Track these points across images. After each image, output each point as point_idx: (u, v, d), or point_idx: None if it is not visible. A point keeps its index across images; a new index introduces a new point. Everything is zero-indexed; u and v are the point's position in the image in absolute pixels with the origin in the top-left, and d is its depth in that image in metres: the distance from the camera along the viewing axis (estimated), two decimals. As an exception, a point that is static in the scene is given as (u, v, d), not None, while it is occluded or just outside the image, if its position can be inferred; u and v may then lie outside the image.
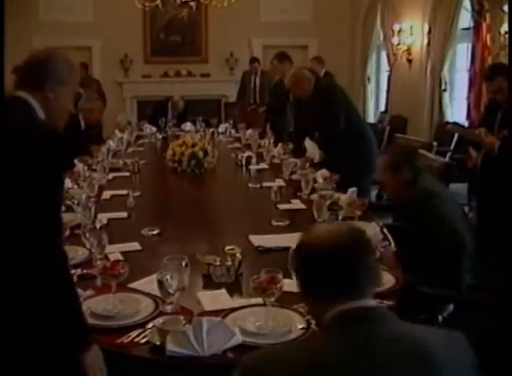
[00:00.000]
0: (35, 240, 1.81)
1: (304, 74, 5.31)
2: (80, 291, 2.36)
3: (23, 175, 1.80)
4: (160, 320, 2.08)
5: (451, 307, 2.97)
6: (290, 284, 2.13)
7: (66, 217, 3.34)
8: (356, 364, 1.33)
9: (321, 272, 1.47)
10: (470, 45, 7.09)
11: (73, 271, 2.56)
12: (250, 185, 4.57)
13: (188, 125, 7.64)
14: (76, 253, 2.85)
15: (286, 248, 2.50)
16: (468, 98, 7.03)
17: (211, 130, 7.33)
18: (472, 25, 6.91)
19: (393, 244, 3.10)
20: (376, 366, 1.33)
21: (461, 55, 7.74)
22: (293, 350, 1.47)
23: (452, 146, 6.71)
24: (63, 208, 3.64)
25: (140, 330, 2.12)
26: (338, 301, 1.44)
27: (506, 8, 5.87)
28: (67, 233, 3.03)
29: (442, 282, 2.92)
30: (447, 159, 6.26)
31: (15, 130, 1.87)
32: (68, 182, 4.16)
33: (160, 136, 7.31)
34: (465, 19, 7.33)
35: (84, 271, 2.64)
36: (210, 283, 2.55)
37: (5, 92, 2.22)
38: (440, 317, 2.91)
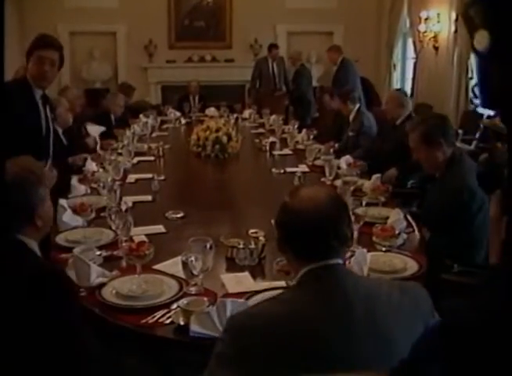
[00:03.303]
0: None
1: None
2: (106, 271, 2.41)
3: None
4: (184, 301, 2.11)
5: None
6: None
7: (92, 199, 3.40)
8: (329, 310, 1.52)
9: (299, 236, 1.62)
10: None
11: (98, 252, 2.62)
12: (273, 170, 4.56)
13: (212, 110, 7.66)
14: (102, 235, 2.90)
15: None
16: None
17: (235, 115, 7.33)
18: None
19: (417, 231, 3.10)
20: (343, 309, 1.52)
21: (489, 42, 7.63)
22: (273, 305, 1.60)
23: (477, 135, 6.64)
24: (89, 191, 3.72)
25: (165, 311, 2.16)
26: (311, 260, 1.60)
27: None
28: (93, 215, 3.08)
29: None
30: (472, 147, 6.21)
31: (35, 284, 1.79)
32: (94, 166, 4.21)
33: (184, 121, 7.34)
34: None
35: (110, 252, 2.68)
36: (233, 266, 2.58)
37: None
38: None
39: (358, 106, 5.84)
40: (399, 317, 1.56)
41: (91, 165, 4.21)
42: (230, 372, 1.50)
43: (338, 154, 4.89)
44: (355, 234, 2.69)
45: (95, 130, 5.69)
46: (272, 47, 9.47)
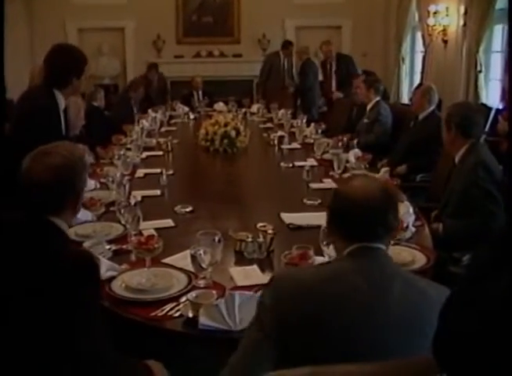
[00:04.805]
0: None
1: None
2: (115, 265, 2.42)
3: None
4: (193, 294, 2.11)
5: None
6: (321, 262, 2.14)
7: (102, 194, 3.41)
8: (369, 282, 1.62)
9: (349, 219, 1.72)
10: (506, 26, 6.93)
11: (108, 246, 2.64)
12: (282, 164, 4.57)
13: (220, 105, 7.66)
14: (111, 229, 2.91)
15: (317, 226, 2.52)
16: (503, 80, 6.91)
17: (243, 110, 7.34)
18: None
19: (426, 225, 3.09)
20: (381, 287, 1.62)
21: (498, 36, 7.58)
22: (318, 268, 1.80)
23: (486, 128, 6.60)
24: (98, 186, 3.74)
25: (174, 304, 2.17)
26: (357, 242, 1.70)
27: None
28: (103, 209, 3.10)
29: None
30: (481, 141, 6.19)
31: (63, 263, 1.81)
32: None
33: (192, 116, 7.35)
34: (502, -1, 7.16)
35: (119, 246, 2.69)
36: (242, 260, 2.58)
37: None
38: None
39: (379, 98, 5.95)
40: (431, 310, 1.55)
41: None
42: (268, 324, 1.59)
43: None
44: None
45: None
46: (289, 44, 9.35)
